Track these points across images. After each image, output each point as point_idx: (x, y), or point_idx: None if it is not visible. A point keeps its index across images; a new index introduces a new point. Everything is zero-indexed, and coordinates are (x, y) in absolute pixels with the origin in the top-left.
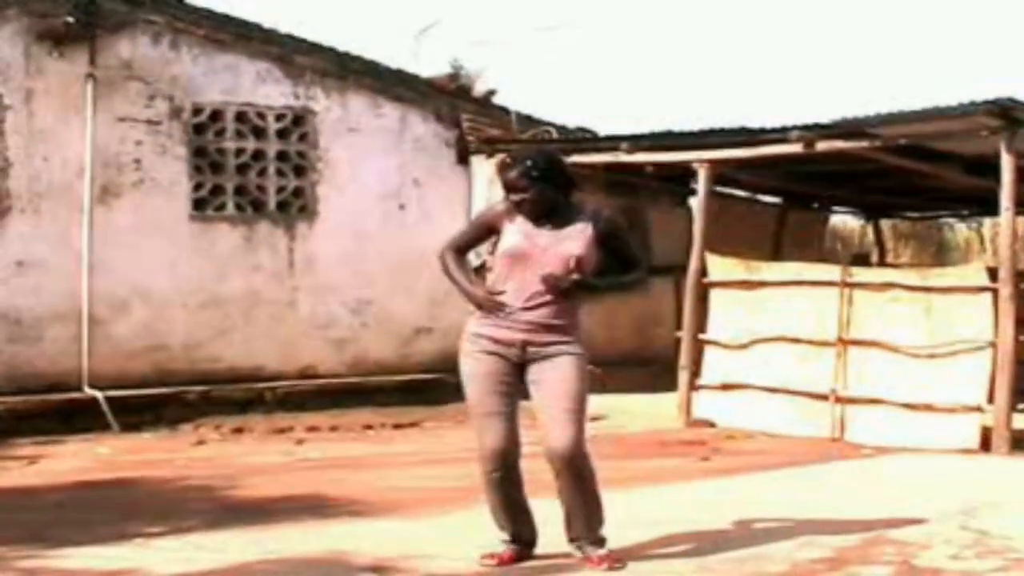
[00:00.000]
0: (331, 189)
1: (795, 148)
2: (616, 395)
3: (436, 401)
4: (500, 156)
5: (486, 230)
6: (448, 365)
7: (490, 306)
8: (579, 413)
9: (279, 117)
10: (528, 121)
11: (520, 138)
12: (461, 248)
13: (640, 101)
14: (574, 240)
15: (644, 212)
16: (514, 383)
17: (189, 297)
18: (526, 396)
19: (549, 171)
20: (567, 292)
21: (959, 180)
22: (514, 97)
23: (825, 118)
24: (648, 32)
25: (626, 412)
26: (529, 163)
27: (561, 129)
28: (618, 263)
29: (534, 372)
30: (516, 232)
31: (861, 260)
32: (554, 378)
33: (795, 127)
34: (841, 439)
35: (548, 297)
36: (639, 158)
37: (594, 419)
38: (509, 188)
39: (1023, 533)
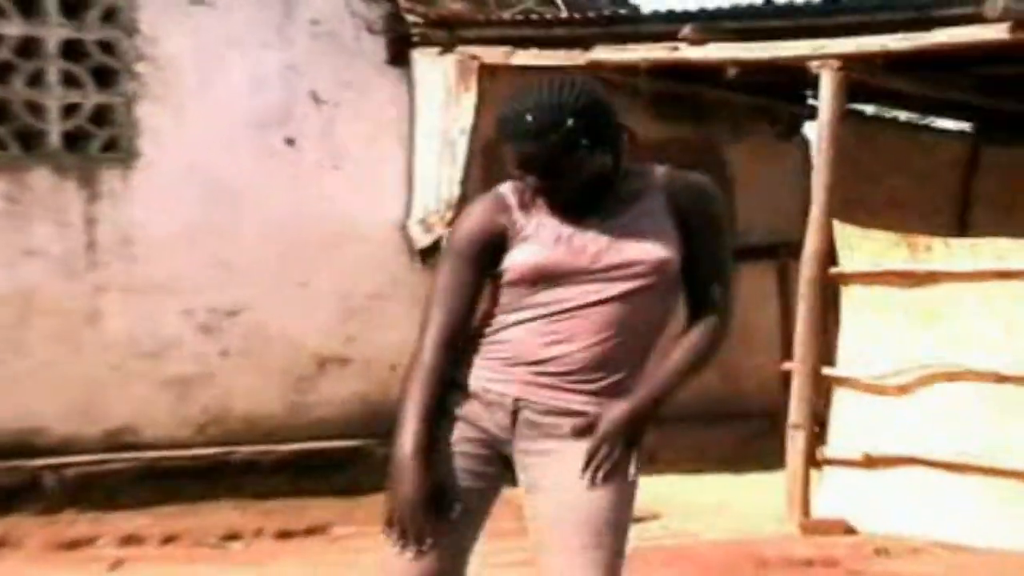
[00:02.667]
0: (162, 111)
1: (996, 32)
2: (677, 475)
3: (353, 488)
4: (464, 54)
5: (487, 258)
6: (377, 422)
7: (411, 524)
8: (613, 555)
9: None
10: None
11: (502, 18)
12: (457, 323)
13: None
14: (652, 232)
15: (721, 152)
16: (493, 479)
17: None
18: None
19: (594, 122)
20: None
21: None
22: None
23: None
24: None
25: (695, 507)
26: (558, 115)
27: (576, 1)
28: (688, 283)
29: (532, 470)
30: (540, 235)
31: None
32: (573, 489)
33: None
34: None
35: (616, 340)
36: (713, 53)
37: (639, 519)
38: (522, 165)
39: None
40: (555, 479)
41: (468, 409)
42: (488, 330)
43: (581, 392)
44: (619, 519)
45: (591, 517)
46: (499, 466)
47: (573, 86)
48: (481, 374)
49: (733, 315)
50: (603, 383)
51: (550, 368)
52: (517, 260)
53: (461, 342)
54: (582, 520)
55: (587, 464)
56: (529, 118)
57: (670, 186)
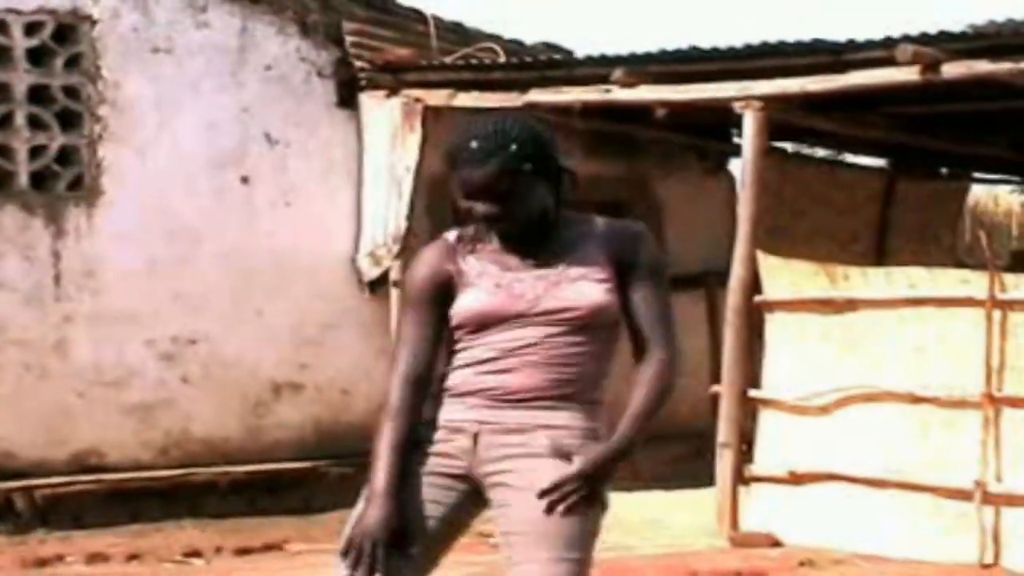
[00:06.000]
0: (124, 151)
1: (907, 74)
2: (614, 493)
3: (307, 507)
4: (408, 97)
5: (439, 300)
6: (329, 444)
7: (365, 552)
8: (580, 566)
9: (32, 28)
10: (457, 34)
11: (444, 63)
12: (422, 365)
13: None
14: (588, 278)
15: (652, 187)
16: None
17: None
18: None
19: (535, 150)
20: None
21: None
22: None
23: (951, 25)
24: None
25: (631, 522)
26: (501, 140)
27: (513, 47)
28: (630, 326)
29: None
30: (482, 282)
31: (1022, 261)
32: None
33: (906, 38)
34: (996, 565)
35: (559, 372)
36: (643, 94)
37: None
38: (470, 191)
39: None
40: (522, 495)
41: (436, 441)
42: (446, 371)
43: (537, 408)
44: (585, 532)
45: (561, 531)
46: (467, 494)
47: (515, 119)
48: (444, 408)
49: (680, 356)
50: (556, 400)
51: (500, 393)
52: (461, 306)
53: (430, 381)
54: (550, 533)
55: (552, 492)
56: (474, 144)
57: (607, 234)
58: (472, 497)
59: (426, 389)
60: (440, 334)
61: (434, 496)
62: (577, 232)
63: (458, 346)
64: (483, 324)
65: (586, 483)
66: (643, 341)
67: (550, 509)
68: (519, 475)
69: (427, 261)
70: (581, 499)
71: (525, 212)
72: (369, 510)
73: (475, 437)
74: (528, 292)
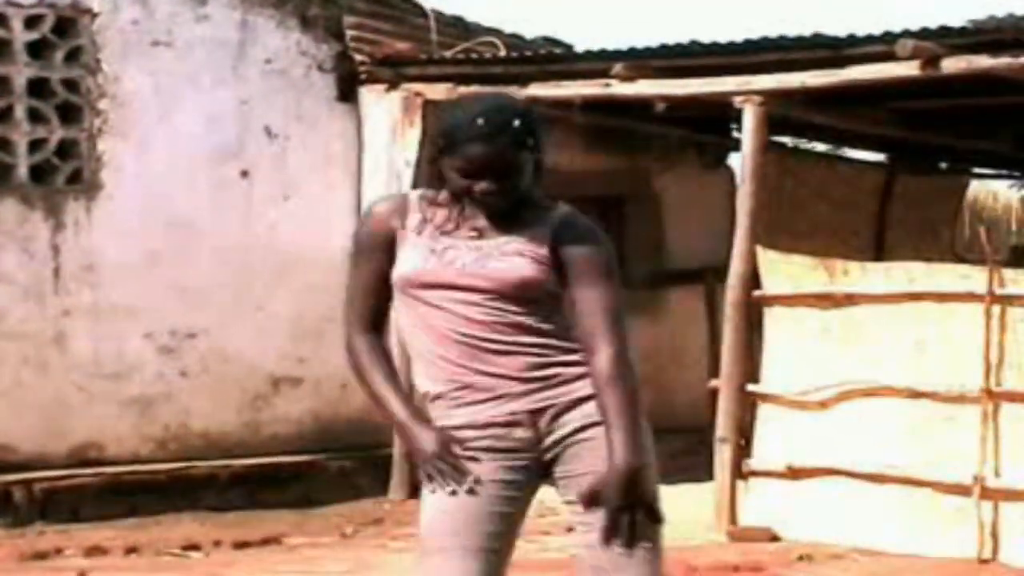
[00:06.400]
0: (123, 145)
1: (907, 69)
2: None
3: (307, 500)
4: (408, 91)
5: (383, 254)
6: (328, 438)
7: (442, 467)
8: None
9: (31, 21)
10: (457, 28)
11: (444, 57)
12: (372, 314)
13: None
14: (522, 252)
15: (651, 181)
16: (523, 502)
17: None
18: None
19: (534, 127)
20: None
21: None
22: None
23: (952, 19)
24: None
25: None
26: (507, 116)
27: (514, 41)
28: (577, 323)
29: (563, 470)
30: (418, 245)
31: (1022, 256)
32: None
33: (906, 33)
34: (994, 560)
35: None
36: (643, 89)
37: (572, 529)
38: (473, 169)
39: None
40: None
41: (483, 440)
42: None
43: (522, 395)
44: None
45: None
46: (531, 483)
47: (507, 98)
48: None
49: (628, 348)
50: (533, 382)
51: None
52: (396, 269)
53: (383, 327)
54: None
55: (612, 534)
56: (480, 121)
57: (559, 223)
58: (533, 483)
59: (381, 334)
60: (386, 283)
61: (504, 495)
62: (535, 215)
63: (405, 322)
64: (411, 287)
65: (623, 509)
66: (584, 334)
67: (628, 546)
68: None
69: (376, 214)
70: (645, 519)
71: (520, 188)
72: (414, 440)
73: (534, 424)
74: (457, 261)
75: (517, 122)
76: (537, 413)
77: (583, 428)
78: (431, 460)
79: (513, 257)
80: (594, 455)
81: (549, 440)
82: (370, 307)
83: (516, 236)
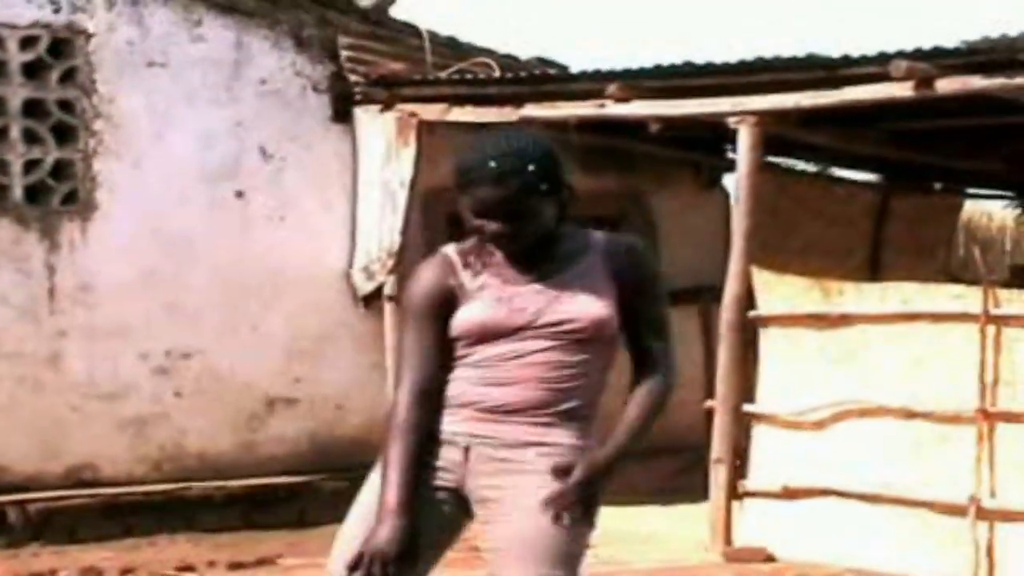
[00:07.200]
0: (119, 165)
1: (901, 89)
2: (610, 507)
3: (302, 521)
4: (403, 111)
5: (442, 315)
6: (323, 458)
7: (376, 568)
8: None
9: (27, 42)
10: (451, 48)
11: (439, 77)
12: (427, 380)
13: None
14: (588, 291)
15: (646, 201)
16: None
17: None
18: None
19: (551, 169)
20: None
21: None
22: (428, 10)
23: (946, 40)
24: None
25: (626, 537)
26: (520, 160)
27: (508, 61)
28: (629, 339)
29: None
30: (484, 295)
31: (1019, 276)
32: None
33: (900, 54)
34: None
35: (556, 385)
36: (638, 109)
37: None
38: (484, 211)
39: None
40: (512, 512)
41: (434, 454)
42: (446, 383)
43: (530, 424)
44: (572, 551)
45: (548, 548)
46: (457, 506)
47: (528, 137)
48: (443, 420)
49: (677, 370)
50: (551, 416)
51: (493, 406)
52: (463, 318)
53: (437, 396)
54: (539, 550)
55: (555, 503)
56: (493, 164)
57: (607, 249)
58: (463, 510)
59: (433, 403)
60: (443, 349)
61: (429, 510)
62: (576, 246)
63: (458, 359)
64: (483, 337)
65: (583, 492)
66: (642, 355)
67: (554, 520)
68: (506, 491)
69: (428, 276)
70: (576, 511)
71: (535, 230)
72: (380, 528)
73: (466, 451)
74: (529, 305)
75: (532, 167)
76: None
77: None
78: (375, 558)
79: (580, 295)
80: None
81: (474, 478)
82: (425, 372)
83: (574, 273)
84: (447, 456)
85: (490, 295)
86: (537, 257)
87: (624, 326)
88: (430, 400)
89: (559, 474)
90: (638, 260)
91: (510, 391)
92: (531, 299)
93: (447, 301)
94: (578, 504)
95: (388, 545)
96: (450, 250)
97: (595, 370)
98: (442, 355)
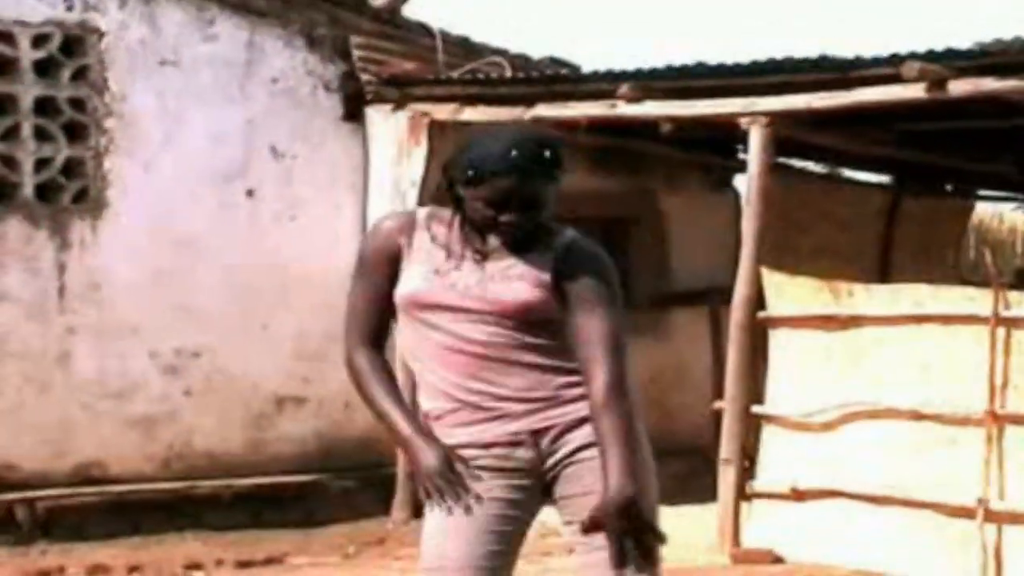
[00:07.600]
0: (130, 163)
1: (913, 91)
2: None
3: (310, 520)
4: (414, 111)
5: (388, 271)
6: (331, 457)
7: (444, 482)
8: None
9: (39, 40)
10: (463, 48)
11: (450, 77)
12: (373, 330)
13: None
14: (524, 277)
15: (657, 202)
16: (523, 522)
17: None
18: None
19: (561, 158)
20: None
21: None
22: (440, 9)
23: (959, 42)
24: None
25: None
26: (539, 148)
27: (520, 61)
28: (577, 346)
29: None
30: (422, 262)
31: None
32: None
33: (912, 55)
34: None
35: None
36: (649, 110)
37: (573, 550)
38: (501, 200)
39: None
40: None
41: (482, 460)
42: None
43: (524, 415)
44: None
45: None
46: (534, 500)
47: (536, 130)
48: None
49: (627, 376)
50: (535, 402)
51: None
52: (399, 288)
53: (384, 344)
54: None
55: (619, 561)
56: (514, 153)
57: (562, 251)
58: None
59: (382, 350)
60: (388, 301)
61: (505, 515)
62: (542, 240)
63: (409, 344)
64: (415, 307)
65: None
66: (582, 360)
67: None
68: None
69: (382, 230)
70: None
71: (541, 218)
72: (417, 455)
73: (536, 445)
74: (459, 283)
75: (548, 154)
76: (539, 433)
77: (583, 447)
78: (432, 476)
79: (514, 281)
80: (594, 475)
81: (551, 460)
82: (371, 323)
83: (520, 260)
84: (518, 455)
85: (428, 266)
86: (517, 243)
87: (571, 329)
88: (380, 348)
89: (591, 528)
90: (591, 267)
91: (480, 394)
92: (465, 276)
93: (394, 258)
94: (637, 547)
95: (436, 460)
96: (423, 212)
97: (543, 349)
98: (388, 308)
